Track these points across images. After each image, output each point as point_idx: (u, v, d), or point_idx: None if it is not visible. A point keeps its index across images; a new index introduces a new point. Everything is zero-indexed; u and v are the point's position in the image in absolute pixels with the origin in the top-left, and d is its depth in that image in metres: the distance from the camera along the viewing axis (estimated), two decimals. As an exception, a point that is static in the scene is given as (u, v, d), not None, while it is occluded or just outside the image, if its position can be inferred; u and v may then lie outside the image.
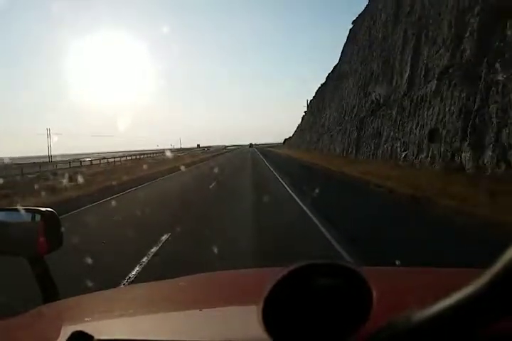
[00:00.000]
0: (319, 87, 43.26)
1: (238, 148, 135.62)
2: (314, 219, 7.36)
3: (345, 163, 20.57)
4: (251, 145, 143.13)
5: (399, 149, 16.96)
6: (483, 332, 0.41)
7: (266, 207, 8.92)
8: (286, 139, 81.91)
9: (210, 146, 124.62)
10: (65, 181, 16.72)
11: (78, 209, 9.75)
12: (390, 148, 18.24)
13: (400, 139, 17.01)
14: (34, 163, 33.49)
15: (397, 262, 2.15)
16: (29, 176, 21.89)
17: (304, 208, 8.63)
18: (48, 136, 56.85)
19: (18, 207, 1.31)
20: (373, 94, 22.29)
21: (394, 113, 18.30)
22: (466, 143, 11.07)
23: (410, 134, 15.86)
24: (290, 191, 11.78)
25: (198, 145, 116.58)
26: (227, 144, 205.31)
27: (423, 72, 15.91)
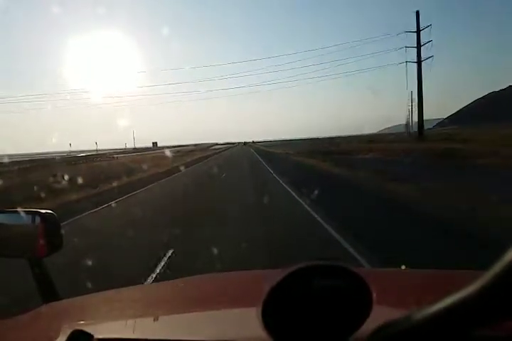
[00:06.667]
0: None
1: (231, 147, 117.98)
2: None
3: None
4: (245, 143, 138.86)
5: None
6: (483, 333, 0.42)
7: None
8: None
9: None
10: None
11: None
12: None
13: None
14: None
15: (403, 266, 2.08)
16: None
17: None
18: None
19: (19, 209, 1.32)
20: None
21: None
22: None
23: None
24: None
25: (155, 144, 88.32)
26: (220, 142, 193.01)
27: None
